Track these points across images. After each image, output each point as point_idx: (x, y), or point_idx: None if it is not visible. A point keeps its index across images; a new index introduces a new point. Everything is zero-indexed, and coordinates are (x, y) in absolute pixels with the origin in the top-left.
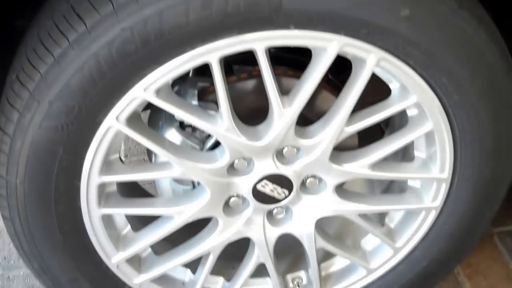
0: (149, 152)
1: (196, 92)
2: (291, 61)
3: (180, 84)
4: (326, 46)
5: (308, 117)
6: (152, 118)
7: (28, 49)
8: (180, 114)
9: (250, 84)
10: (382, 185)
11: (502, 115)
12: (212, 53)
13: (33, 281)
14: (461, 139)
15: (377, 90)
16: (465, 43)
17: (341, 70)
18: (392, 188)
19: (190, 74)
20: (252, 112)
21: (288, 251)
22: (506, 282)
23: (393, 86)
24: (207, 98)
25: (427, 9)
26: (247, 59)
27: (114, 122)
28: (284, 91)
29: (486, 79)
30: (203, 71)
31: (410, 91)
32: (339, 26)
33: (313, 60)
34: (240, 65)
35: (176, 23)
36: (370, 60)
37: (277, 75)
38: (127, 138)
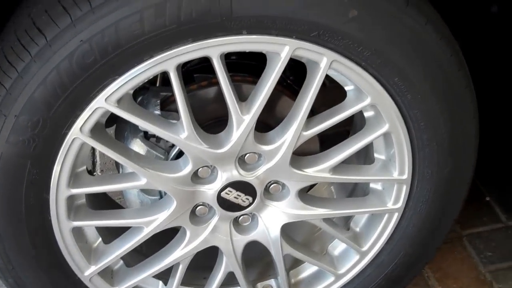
0: (117, 164)
1: (158, 101)
2: (253, 68)
3: (143, 94)
4: (279, 50)
5: (270, 123)
6: (118, 129)
7: None
8: (141, 123)
9: (211, 91)
10: (346, 189)
11: (457, 112)
12: (168, 61)
13: None
14: (417, 139)
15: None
16: (414, 41)
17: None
18: (356, 191)
19: (158, 83)
20: (214, 120)
21: (258, 260)
22: (476, 284)
23: (348, 88)
24: (169, 107)
25: (375, 9)
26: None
27: (78, 134)
28: (245, 98)
29: (437, 77)
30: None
31: (364, 93)
32: (290, 30)
33: (268, 65)
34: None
35: (132, 33)
36: (323, 62)
37: (236, 82)
38: (103, 154)
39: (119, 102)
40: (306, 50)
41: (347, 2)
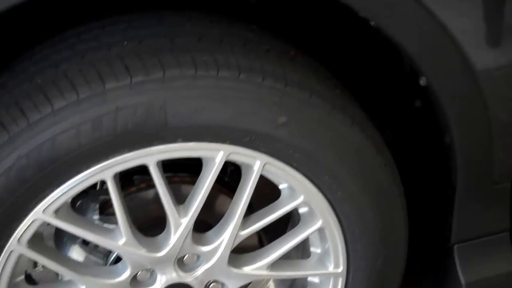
0: None
1: (97, 206)
2: (192, 167)
3: (83, 198)
4: (214, 155)
5: (208, 222)
6: (57, 234)
7: None
8: (78, 232)
9: (150, 193)
10: (285, 283)
11: (385, 206)
12: (106, 171)
13: None
14: (350, 233)
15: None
16: (341, 142)
17: None
18: (295, 285)
19: (97, 186)
20: (154, 221)
21: None
22: None
23: (282, 186)
24: (108, 211)
25: (303, 115)
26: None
27: (16, 246)
28: (183, 198)
29: (365, 174)
30: None
31: (297, 191)
32: (224, 136)
33: (204, 169)
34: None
35: (69, 147)
36: (256, 165)
37: (174, 183)
38: None
39: (57, 212)
40: (239, 155)
41: (276, 109)
